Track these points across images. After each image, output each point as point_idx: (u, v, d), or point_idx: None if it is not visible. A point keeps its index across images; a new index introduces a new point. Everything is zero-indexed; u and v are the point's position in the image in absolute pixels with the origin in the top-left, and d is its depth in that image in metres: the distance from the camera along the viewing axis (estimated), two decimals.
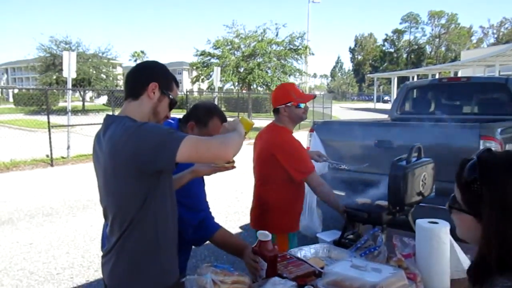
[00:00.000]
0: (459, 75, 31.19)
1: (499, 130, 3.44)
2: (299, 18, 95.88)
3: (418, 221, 1.79)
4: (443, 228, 1.72)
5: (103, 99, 38.11)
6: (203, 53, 19.30)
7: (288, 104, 2.39)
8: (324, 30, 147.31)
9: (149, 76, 1.57)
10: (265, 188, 2.48)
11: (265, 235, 1.77)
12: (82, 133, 12.11)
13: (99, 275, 3.82)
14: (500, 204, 0.87)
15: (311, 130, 4.34)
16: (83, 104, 30.72)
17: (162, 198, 1.54)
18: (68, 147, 10.93)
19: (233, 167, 1.79)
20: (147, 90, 1.54)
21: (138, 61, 79.48)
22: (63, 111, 13.57)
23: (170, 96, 1.60)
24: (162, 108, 1.60)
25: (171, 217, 1.60)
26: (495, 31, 76.43)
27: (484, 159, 0.93)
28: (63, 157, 10.79)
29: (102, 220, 2.50)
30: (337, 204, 2.34)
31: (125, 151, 1.40)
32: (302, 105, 2.42)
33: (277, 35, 19.78)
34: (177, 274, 1.63)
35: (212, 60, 19.36)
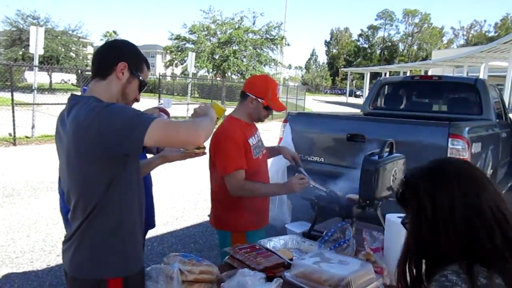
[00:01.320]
0: (429, 74, 32.00)
1: (467, 129, 3.52)
2: (276, 8, 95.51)
3: (388, 215, 1.81)
4: None
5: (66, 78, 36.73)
6: (178, 37, 18.94)
7: (258, 99, 2.23)
8: (301, 22, 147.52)
9: (118, 55, 1.49)
10: (215, 182, 2.32)
11: (167, 102, 1.81)
12: (48, 113, 11.66)
13: (61, 260, 3.70)
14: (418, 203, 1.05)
15: (285, 121, 4.33)
16: (50, 83, 29.60)
17: (128, 183, 1.48)
18: (33, 127, 10.52)
19: (204, 153, 1.73)
20: (115, 70, 1.47)
21: None
22: (28, 89, 13.00)
23: (140, 77, 1.53)
24: (131, 90, 1.53)
25: (137, 203, 1.54)
26: (465, 33, 78.80)
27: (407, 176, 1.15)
28: (27, 137, 10.38)
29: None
30: (270, 192, 2.33)
31: (89, 133, 1.33)
32: (269, 109, 2.27)
33: (254, 23, 19.67)
34: (141, 263, 1.58)
35: (187, 45, 19.04)
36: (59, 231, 4.23)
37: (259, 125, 2.47)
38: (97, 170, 1.38)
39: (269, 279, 1.53)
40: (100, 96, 1.45)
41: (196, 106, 1.68)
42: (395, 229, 1.76)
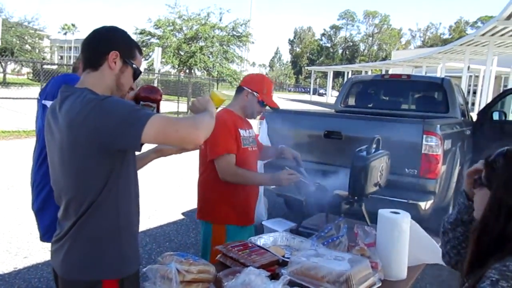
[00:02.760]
0: (390, 73, 33.02)
1: (439, 126, 3.64)
2: (242, 5, 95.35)
3: (380, 210, 1.82)
4: (405, 218, 1.77)
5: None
6: (143, 32, 18.46)
7: (254, 93, 2.27)
8: (265, 20, 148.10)
9: (108, 43, 1.41)
10: (202, 171, 2.34)
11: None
12: (4, 108, 11.05)
13: (29, 262, 3.52)
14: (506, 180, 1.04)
15: (262, 118, 4.32)
16: (4, 76, 28.12)
17: (126, 180, 1.42)
18: None
19: (201, 147, 1.69)
20: (107, 59, 1.39)
21: (68, 35, 74.08)
22: None
23: (134, 65, 1.46)
24: (126, 80, 1.45)
25: (134, 200, 1.48)
26: (422, 34, 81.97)
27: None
28: None
29: (30, 203, 2.26)
30: (258, 181, 2.32)
31: (85, 127, 1.26)
32: (263, 104, 2.30)
33: (220, 20, 19.50)
34: (138, 263, 1.51)
35: (152, 40, 18.61)
36: (25, 232, 4.01)
37: None
38: (93, 165, 1.31)
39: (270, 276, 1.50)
40: (94, 88, 1.37)
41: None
42: (387, 224, 1.78)
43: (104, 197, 1.33)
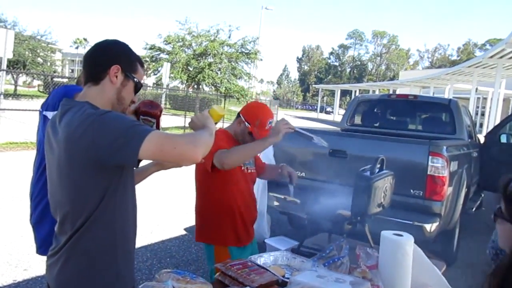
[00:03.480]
0: (397, 93, 33.02)
1: (445, 147, 3.61)
2: (251, 23, 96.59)
3: (383, 232, 1.79)
4: (409, 241, 1.73)
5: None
6: (152, 47, 18.70)
7: (246, 123, 2.28)
8: (274, 37, 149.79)
9: (109, 58, 1.41)
10: (199, 193, 2.35)
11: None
12: (13, 119, 11.18)
13: (28, 275, 3.49)
14: None
15: None
16: (15, 88, 28.54)
17: (123, 195, 1.40)
18: None
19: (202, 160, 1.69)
20: (108, 74, 1.39)
21: (80, 49, 75.25)
22: None
23: (135, 79, 1.46)
24: (127, 93, 1.45)
25: (131, 216, 1.46)
26: (430, 55, 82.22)
27: None
28: None
29: None
30: (258, 145, 2.18)
31: (82, 141, 1.25)
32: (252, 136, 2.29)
33: (229, 36, 19.71)
34: (133, 281, 1.49)
35: (162, 55, 18.84)
36: (26, 244, 3.99)
37: None
38: (90, 180, 1.30)
39: None
40: (95, 102, 1.37)
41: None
42: (390, 247, 1.74)
43: (100, 212, 1.32)
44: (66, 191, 1.33)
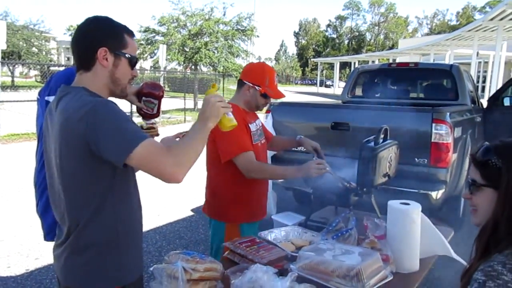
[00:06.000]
0: (397, 61, 32.67)
1: (448, 114, 3.57)
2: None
3: (390, 202, 1.78)
4: (416, 209, 1.73)
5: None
6: (147, 30, 18.39)
7: (255, 87, 2.18)
8: (270, 13, 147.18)
9: (93, 41, 1.32)
10: (214, 171, 2.29)
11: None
12: (13, 111, 11.13)
13: (40, 263, 3.54)
14: None
15: (268, 111, 4.27)
16: (13, 80, 28.36)
17: (127, 183, 1.39)
18: None
19: (157, 134, 1.74)
20: (97, 58, 1.32)
21: None
22: None
23: (127, 55, 1.37)
24: (121, 73, 1.37)
25: (136, 206, 1.45)
26: (429, 21, 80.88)
27: (497, 143, 1.12)
28: None
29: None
30: (284, 174, 2.18)
31: (77, 130, 1.21)
32: (267, 96, 2.21)
33: (224, 14, 19.34)
34: (140, 271, 1.49)
35: (157, 37, 18.54)
36: (36, 234, 4.03)
37: None
38: (87, 168, 1.27)
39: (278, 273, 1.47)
40: (90, 87, 1.33)
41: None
42: (398, 216, 1.74)
43: (101, 203, 1.30)
44: (67, 179, 1.30)
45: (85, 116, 1.20)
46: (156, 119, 1.94)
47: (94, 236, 1.32)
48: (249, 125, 2.20)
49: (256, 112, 2.37)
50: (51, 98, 1.91)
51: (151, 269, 1.46)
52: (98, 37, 1.33)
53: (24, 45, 27.22)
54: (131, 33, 1.41)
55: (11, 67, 29.51)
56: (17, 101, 10.88)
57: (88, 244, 1.33)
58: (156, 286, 1.41)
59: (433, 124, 3.46)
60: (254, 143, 2.19)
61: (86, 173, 1.27)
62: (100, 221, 1.31)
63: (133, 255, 1.44)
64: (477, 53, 19.38)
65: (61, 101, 1.30)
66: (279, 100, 3.06)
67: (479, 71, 26.92)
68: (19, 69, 34.64)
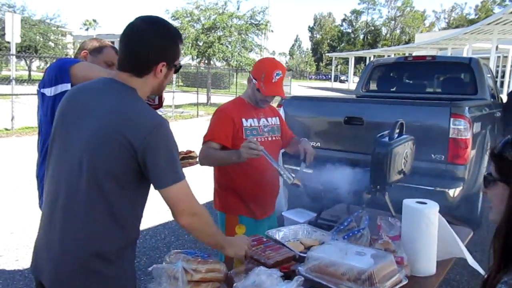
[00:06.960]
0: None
1: (467, 108, 3.42)
2: None
3: (405, 201, 1.67)
4: (433, 209, 1.62)
5: None
6: None
7: (253, 80, 2.12)
8: (284, 7, 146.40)
9: (156, 54, 1.32)
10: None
11: None
12: (28, 104, 11.24)
13: None
14: None
15: (279, 106, 4.17)
16: (29, 73, 28.76)
17: (142, 195, 1.41)
18: (13, 118, 10.15)
19: (196, 162, 1.83)
20: (154, 70, 1.33)
21: (90, 30, 75.10)
22: (6, 80, 12.53)
23: (176, 66, 1.41)
24: (168, 80, 1.42)
25: (140, 216, 1.44)
26: (446, 16, 79.37)
27: None
28: (6, 129, 10.02)
29: None
30: (224, 158, 2.04)
31: (137, 135, 1.23)
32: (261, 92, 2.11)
33: (238, 8, 19.21)
34: (134, 279, 1.43)
35: None
36: None
37: None
38: (125, 168, 1.28)
39: (284, 275, 1.38)
40: (139, 91, 1.34)
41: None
42: (414, 216, 1.63)
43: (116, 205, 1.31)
44: (102, 161, 1.25)
45: (154, 130, 1.24)
46: (163, 111, 1.92)
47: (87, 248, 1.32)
48: (244, 119, 2.14)
49: (275, 108, 2.38)
50: (45, 90, 1.87)
51: (150, 269, 1.39)
52: (162, 50, 1.33)
53: (41, 39, 27.53)
54: (182, 40, 1.43)
55: (28, 61, 29.93)
56: (33, 94, 10.99)
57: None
58: (155, 287, 1.34)
59: (451, 119, 3.32)
60: (245, 137, 2.09)
61: (119, 172, 1.26)
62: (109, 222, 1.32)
63: (131, 261, 1.42)
64: (497, 47, 18.87)
65: (109, 93, 1.30)
66: (291, 94, 2.98)
67: (498, 66, 26.27)
68: (35, 63, 35.07)
